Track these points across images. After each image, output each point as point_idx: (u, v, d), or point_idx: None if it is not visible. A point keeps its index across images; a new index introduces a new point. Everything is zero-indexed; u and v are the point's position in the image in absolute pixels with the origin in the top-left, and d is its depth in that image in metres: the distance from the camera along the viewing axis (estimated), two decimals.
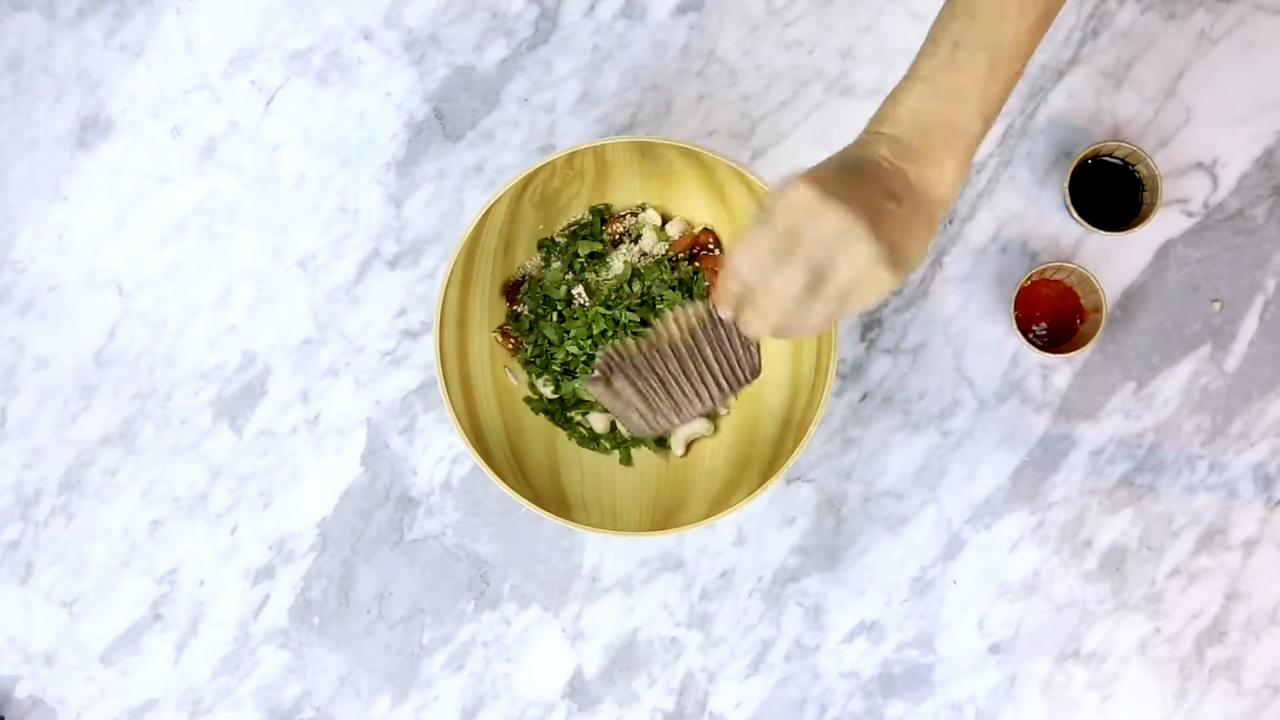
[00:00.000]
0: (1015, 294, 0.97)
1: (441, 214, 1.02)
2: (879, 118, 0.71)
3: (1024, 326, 0.99)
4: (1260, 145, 1.01)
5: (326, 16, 1.03)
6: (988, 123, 0.70)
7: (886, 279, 0.66)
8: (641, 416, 0.78)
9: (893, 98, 0.71)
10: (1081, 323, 0.99)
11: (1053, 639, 1.01)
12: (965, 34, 0.70)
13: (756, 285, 0.67)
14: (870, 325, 1.01)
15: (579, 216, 0.98)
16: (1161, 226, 1.01)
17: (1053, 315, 1.00)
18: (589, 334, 0.94)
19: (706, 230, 0.97)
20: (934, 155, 0.69)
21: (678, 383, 0.77)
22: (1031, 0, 0.70)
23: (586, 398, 0.97)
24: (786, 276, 0.66)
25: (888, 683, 1.01)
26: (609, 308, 0.94)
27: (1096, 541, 1.01)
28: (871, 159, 0.69)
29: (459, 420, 0.88)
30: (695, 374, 0.77)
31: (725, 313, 0.71)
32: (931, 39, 0.71)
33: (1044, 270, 0.97)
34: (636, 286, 0.95)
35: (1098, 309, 0.96)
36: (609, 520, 0.92)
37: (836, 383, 1.01)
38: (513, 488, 0.88)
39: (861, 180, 0.67)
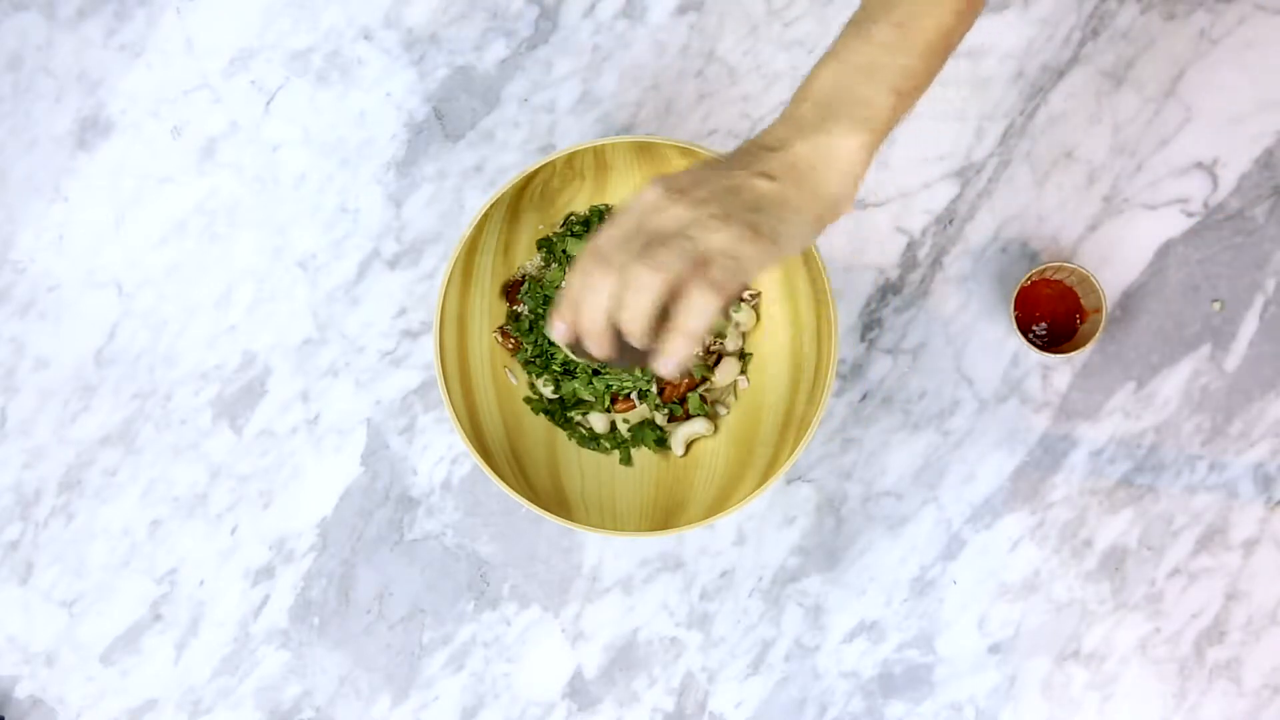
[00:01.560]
0: (1015, 294, 0.97)
1: (441, 214, 1.02)
2: (793, 95, 0.71)
3: (1024, 326, 0.99)
4: (1260, 145, 1.01)
5: (326, 16, 1.03)
6: (903, 96, 0.70)
7: (745, 252, 0.64)
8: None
9: (808, 75, 0.71)
10: (1081, 322, 0.99)
11: (1053, 639, 1.01)
12: (882, 11, 0.70)
13: (602, 277, 0.64)
14: (870, 325, 1.01)
15: (571, 215, 0.98)
16: (1161, 226, 1.01)
17: (1052, 315, 1.00)
18: None
19: None
20: (834, 126, 0.69)
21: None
22: None
23: (586, 397, 0.97)
24: (622, 241, 0.64)
25: (888, 683, 1.01)
26: None
27: (1096, 541, 1.01)
28: (759, 142, 0.69)
29: (459, 420, 0.88)
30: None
31: (560, 332, 0.67)
32: (852, 19, 0.72)
33: (1044, 270, 0.97)
34: None
35: (1098, 309, 0.96)
36: (609, 520, 0.92)
37: (836, 383, 1.01)
38: (513, 488, 0.88)
39: (727, 169, 0.67)
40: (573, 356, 0.75)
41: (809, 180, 0.68)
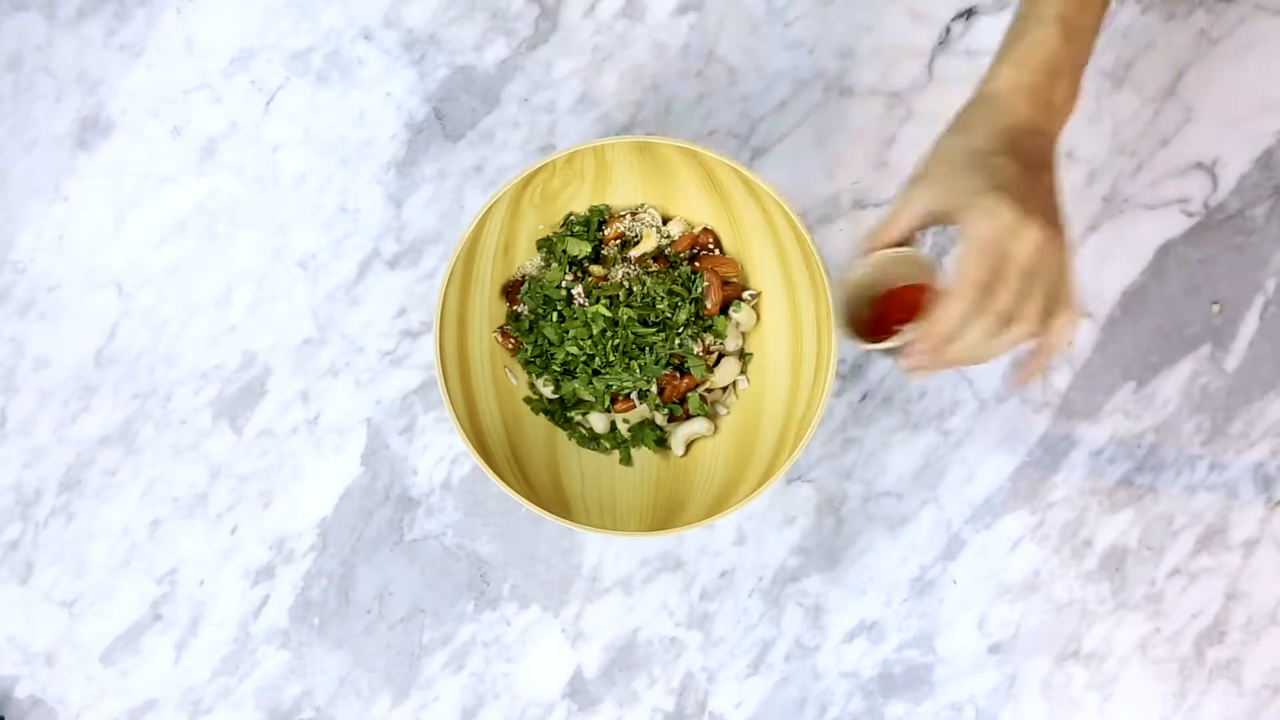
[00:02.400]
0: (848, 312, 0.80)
1: (441, 214, 1.02)
2: (1010, 60, 0.71)
3: (882, 331, 0.79)
4: (1260, 145, 1.01)
5: (326, 16, 1.03)
6: (1070, 32, 0.72)
7: (1068, 259, 0.69)
8: None
9: (1023, 42, 0.71)
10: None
11: (1053, 639, 1.01)
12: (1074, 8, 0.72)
13: (971, 319, 0.69)
14: None
15: (571, 215, 0.98)
16: (1161, 226, 1.01)
17: (913, 310, 0.76)
18: (589, 334, 0.94)
19: (706, 230, 0.97)
20: (1064, 100, 0.71)
21: None
22: None
23: (587, 397, 0.97)
24: (1002, 300, 0.68)
25: (888, 683, 1.01)
26: (609, 308, 0.94)
27: (1096, 541, 1.01)
28: (1023, 129, 0.70)
29: (459, 420, 0.88)
30: None
31: (915, 363, 0.71)
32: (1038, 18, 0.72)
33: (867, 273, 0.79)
34: (637, 289, 0.95)
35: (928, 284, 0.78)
36: (609, 520, 0.92)
37: (836, 383, 1.01)
38: (513, 488, 0.88)
39: (1030, 167, 0.69)
40: (865, 348, 0.78)
41: (1055, 156, 0.72)
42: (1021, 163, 0.69)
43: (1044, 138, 0.71)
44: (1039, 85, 0.71)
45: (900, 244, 0.74)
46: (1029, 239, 0.67)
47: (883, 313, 0.80)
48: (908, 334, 0.73)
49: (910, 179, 0.72)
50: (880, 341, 0.76)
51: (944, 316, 0.69)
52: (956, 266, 0.68)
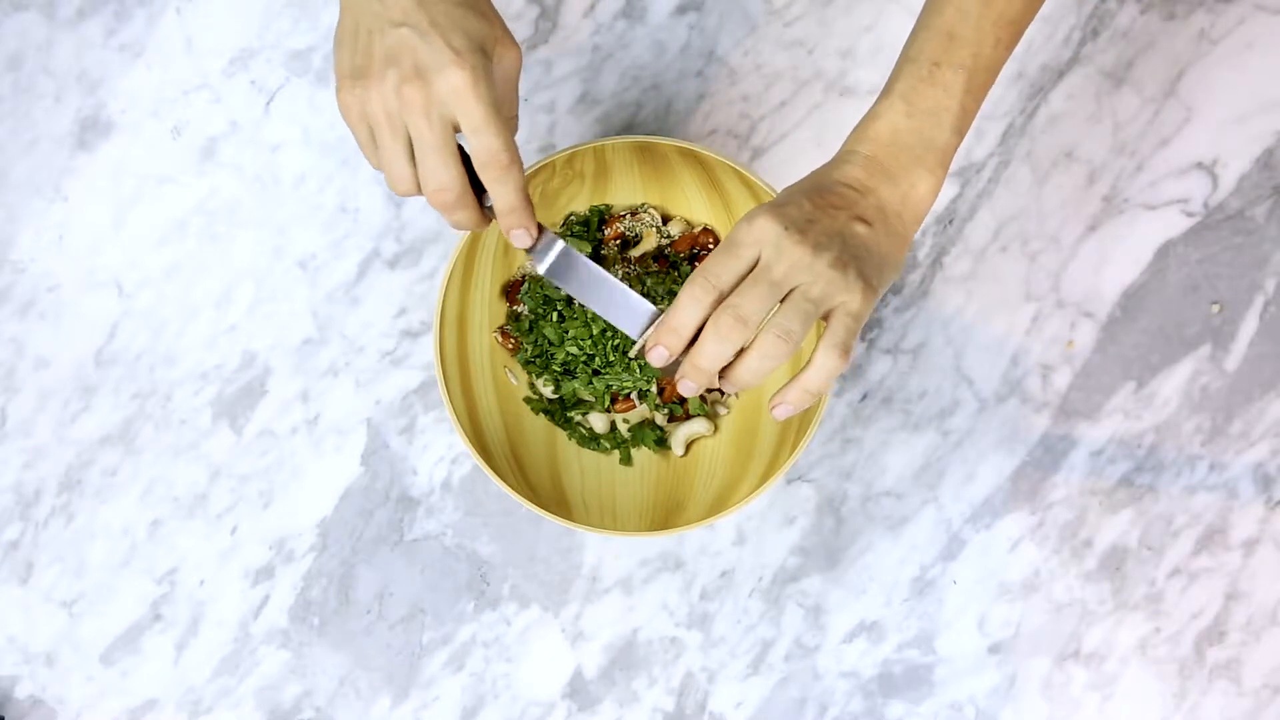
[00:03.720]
0: None
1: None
2: (856, 136, 0.72)
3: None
4: (1260, 145, 1.01)
5: (326, 16, 1.03)
6: (961, 135, 0.72)
7: (861, 309, 0.67)
8: None
9: (870, 115, 0.72)
10: None
11: (1053, 639, 1.01)
12: (944, 54, 0.71)
13: (697, 308, 0.67)
14: (870, 325, 1.01)
15: (571, 215, 0.98)
16: (1161, 226, 1.01)
17: None
18: (589, 334, 0.94)
19: (706, 230, 0.97)
20: (908, 172, 0.71)
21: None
22: (1006, 21, 0.72)
23: (586, 397, 0.97)
24: (752, 295, 0.66)
25: (888, 683, 1.01)
26: None
27: (1096, 541, 1.01)
28: (844, 181, 0.70)
29: (459, 420, 0.88)
30: None
31: (660, 357, 0.69)
32: (907, 57, 0.72)
33: None
34: (637, 289, 0.96)
35: None
36: (609, 520, 0.92)
37: (836, 383, 1.01)
38: (513, 488, 0.88)
39: (827, 208, 0.68)
40: (652, 367, 0.77)
41: (894, 225, 0.70)
42: (817, 202, 0.68)
43: (870, 195, 0.70)
44: (879, 156, 0.71)
45: None
46: (790, 254, 0.66)
47: None
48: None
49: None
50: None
51: (674, 305, 0.67)
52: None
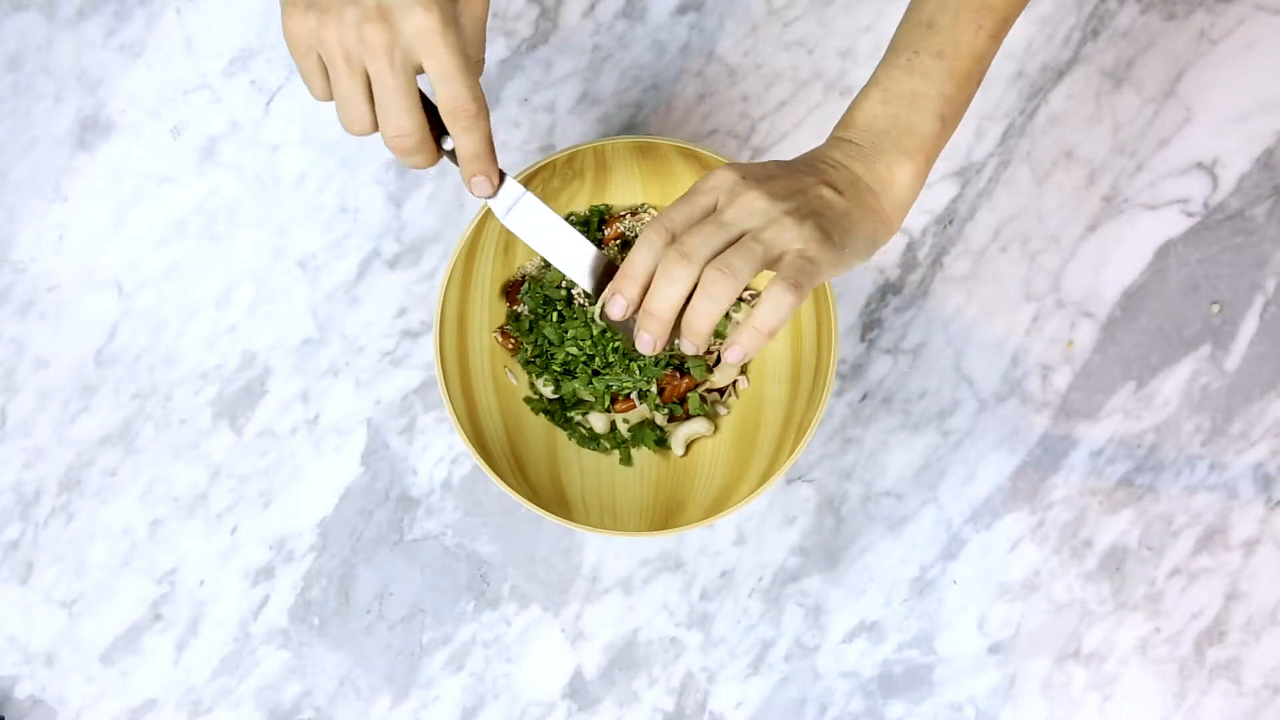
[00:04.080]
0: None
1: (441, 214, 1.02)
2: (839, 124, 0.73)
3: None
4: (1260, 145, 1.01)
5: None
6: (946, 122, 0.72)
7: (817, 255, 0.65)
8: None
9: (851, 104, 0.73)
10: None
11: (1053, 639, 1.01)
12: (922, 42, 0.72)
13: (669, 254, 0.65)
14: (870, 325, 1.01)
15: (571, 215, 0.98)
16: (1161, 226, 1.01)
17: None
18: (589, 334, 0.94)
19: None
20: (886, 155, 0.71)
21: None
22: (987, 9, 0.72)
23: (586, 397, 0.97)
24: (699, 232, 0.65)
25: (888, 683, 1.01)
26: None
27: (1096, 541, 1.01)
28: (818, 158, 0.71)
29: (459, 420, 0.88)
30: None
31: (619, 308, 0.67)
32: (891, 48, 0.74)
33: None
34: None
35: None
36: (609, 520, 0.92)
37: (836, 383, 1.01)
38: (513, 488, 0.88)
39: (794, 172, 0.69)
40: (610, 324, 0.75)
41: (867, 199, 0.70)
42: (785, 167, 0.68)
43: (843, 170, 0.70)
44: (856, 141, 0.72)
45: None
46: (744, 198, 0.65)
47: None
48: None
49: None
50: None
51: (630, 251, 0.67)
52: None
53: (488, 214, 0.88)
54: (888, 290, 1.01)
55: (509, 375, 0.98)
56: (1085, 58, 1.02)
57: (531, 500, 0.88)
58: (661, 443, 0.97)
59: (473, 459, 0.99)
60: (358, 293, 1.02)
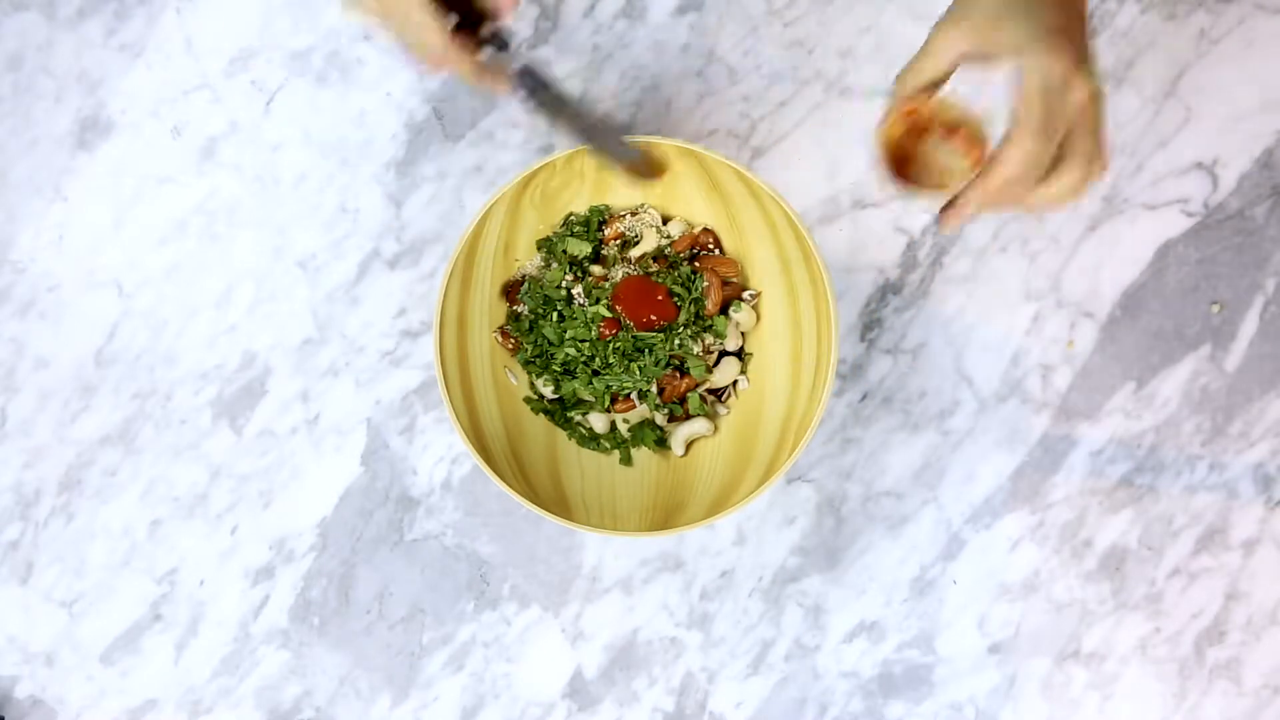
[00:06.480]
0: (884, 140, 0.77)
1: (441, 214, 1.02)
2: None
3: (926, 180, 0.78)
4: (1260, 145, 1.01)
5: (326, 16, 1.03)
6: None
7: (1103, 112, 0.69)
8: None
9: None
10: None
11: (1053, 639, 1.01)
12: None
13: (1031, 165, 0.68)
14: (870, 325, 1.01)
15: (571, 215, 0.98)
16: (1161, 226, 1.01)
17: (965, 155, 0.78)
18: (589, 334, 0.94)
19: (706, 230, 0.97)
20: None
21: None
22: None
23: (587, 397, 0.97)
24: (1053, 150, 0.68)
25: (888, 683, 1.01)
26: (609, 308, 0.94)
27: (1096, 541, 1.01)
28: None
29: (459, 420, 0.88)
30: None
31: (968, 212, 0.71)
32: None
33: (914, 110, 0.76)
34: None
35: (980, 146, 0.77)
36: (609, 520, 0.92)
37: (836, 383, 1.01)
38: (513, 488, 0.88)
39: (1072, 15, 0.70)
40: (917, 197, 0.77)
41: None
42: (1061, 8, 0.69)
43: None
44: None
45: (934, 89, 0.73)
46: (1081, 90, 0.68)
47: (923, 162, 0.78)
48: (958, 183, 0.72)
49: (939, 21, 0.72)
50: (923, 190, 0.74)
51: (1009, 159, 0.68)
52: (1017, 111, 0.68)
53: (487, 214, 0.88)
54: (888, 290, 1.01)
55: (509, 375, 0.98)
56: None
57: (531, 500, 0.88)
58: (661, 443, 0.97)
59: (473, 459, 0.99)
60: (358, 293, 1.02)
